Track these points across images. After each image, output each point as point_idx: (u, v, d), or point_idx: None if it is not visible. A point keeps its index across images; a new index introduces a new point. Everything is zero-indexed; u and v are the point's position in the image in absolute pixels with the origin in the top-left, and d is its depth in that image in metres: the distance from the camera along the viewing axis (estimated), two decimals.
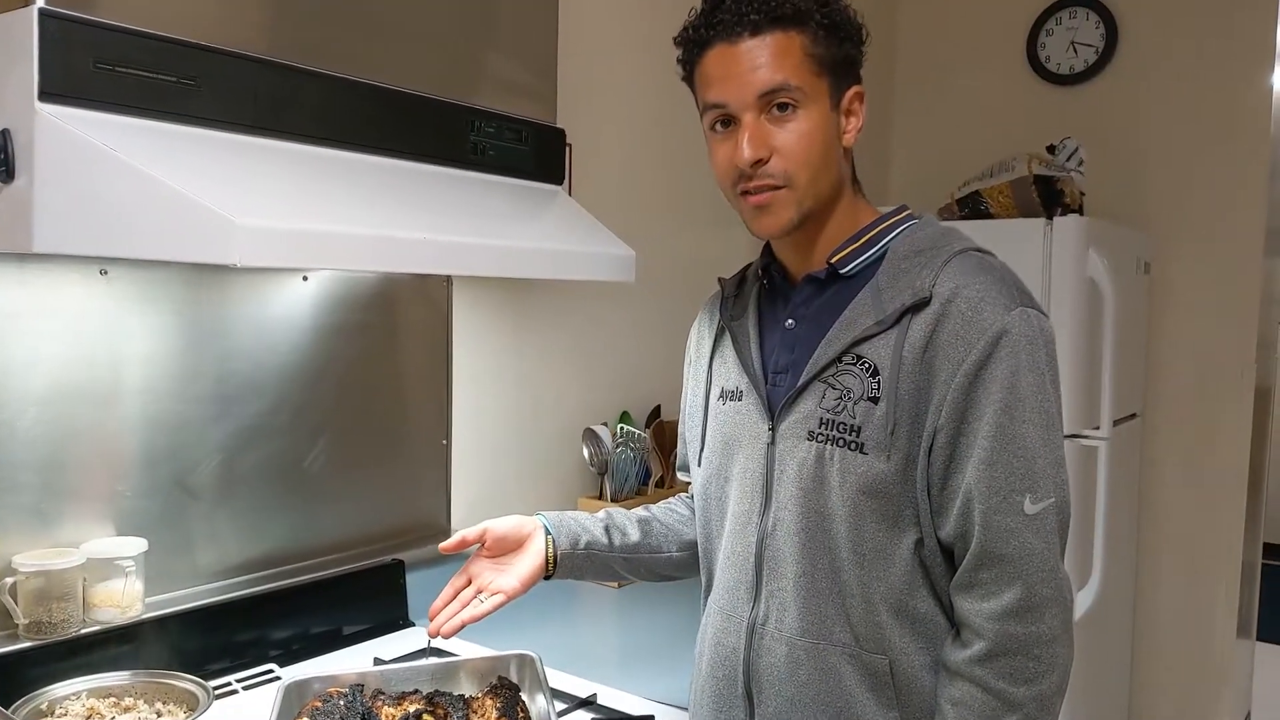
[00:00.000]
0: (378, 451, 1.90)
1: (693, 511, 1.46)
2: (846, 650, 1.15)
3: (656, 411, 2.47)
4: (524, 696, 1.41)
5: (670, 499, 1.50)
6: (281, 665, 1.65)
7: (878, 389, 1.11)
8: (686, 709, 1.50)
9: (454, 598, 1.34)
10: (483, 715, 1.34)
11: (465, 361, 2.06)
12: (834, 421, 1.14)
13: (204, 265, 1.50)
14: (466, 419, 2.07)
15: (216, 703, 1.48)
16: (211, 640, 1.60)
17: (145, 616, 1.50)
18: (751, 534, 1.19)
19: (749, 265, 1.34)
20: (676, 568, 1.44)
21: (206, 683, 1.45)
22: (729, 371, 1.28)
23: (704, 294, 1.42)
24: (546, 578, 1.37)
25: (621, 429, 2.30)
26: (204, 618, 1.60)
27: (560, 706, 1.49)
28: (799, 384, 1.17)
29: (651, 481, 2.37)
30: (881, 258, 1.18)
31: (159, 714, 1.30)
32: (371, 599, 1.84)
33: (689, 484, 1.49)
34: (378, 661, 1.67)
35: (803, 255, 1.22)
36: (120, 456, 1.52)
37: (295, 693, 1.42)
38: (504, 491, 2.17)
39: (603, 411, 2.37)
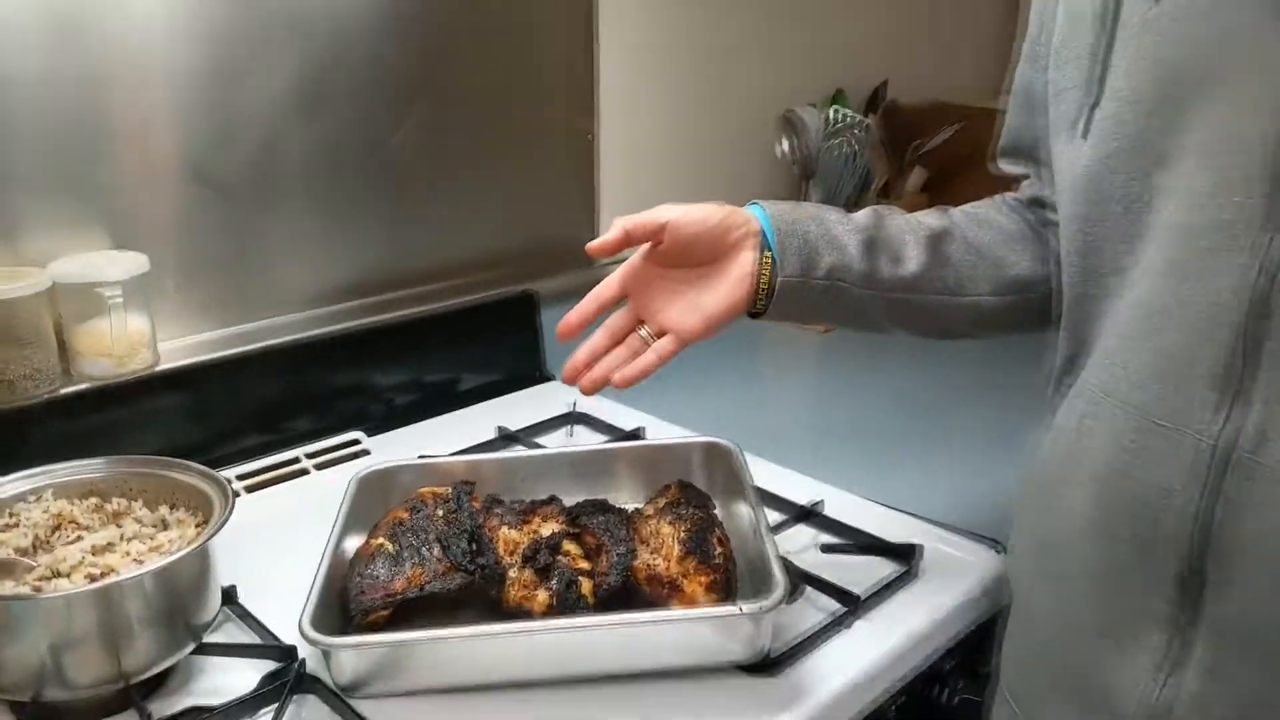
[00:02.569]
0: (497, 143, 1.32)
1: (1030, 226, 0.84)
2: None
3: (881, 90, 1.78)
4: (718, 512, 0.88)
5: (983, 203, 0.88)
6: (371, 434, 1.18)
7: None
8: (994, 545, 0.96)
9: (609, 342, 0.80)
10: (657, 545, 0.82)
11: (614, 24, 1.41)
12: None
13: None
14: (617, 104, 1.46)
15: (285, 486, 1.04)
16: (264, 402, 1.13)
17: (158, 370, 1.02)
18: (1231, 271, 0.56)
19: None
20: (981, 322, 0.84)
21: (227, 476, 0.99)
22: None
23: None
24: (752, 315, 0.81)
25: (836, 112, 1.64)
26: (253, 370, 1.12)
27: (773, 519, 0.97)
28: None
29: (873, 189, 1.72)
30: None
31: (164, 523, 0.84)
32: (493, 344, 1.33)
33: (1022, 178, 0.86)
34: (501, 432, 1.17)
35: None
36: (114, 128, 0.99)
37: (374, 488, 0.94)
38: (667, 200, 1.58)
39: (807, 89, 1.70)
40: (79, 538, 0.79)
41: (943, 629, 0.88)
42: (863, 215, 0.82)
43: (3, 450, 0.88)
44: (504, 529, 0.84)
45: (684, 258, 0.78)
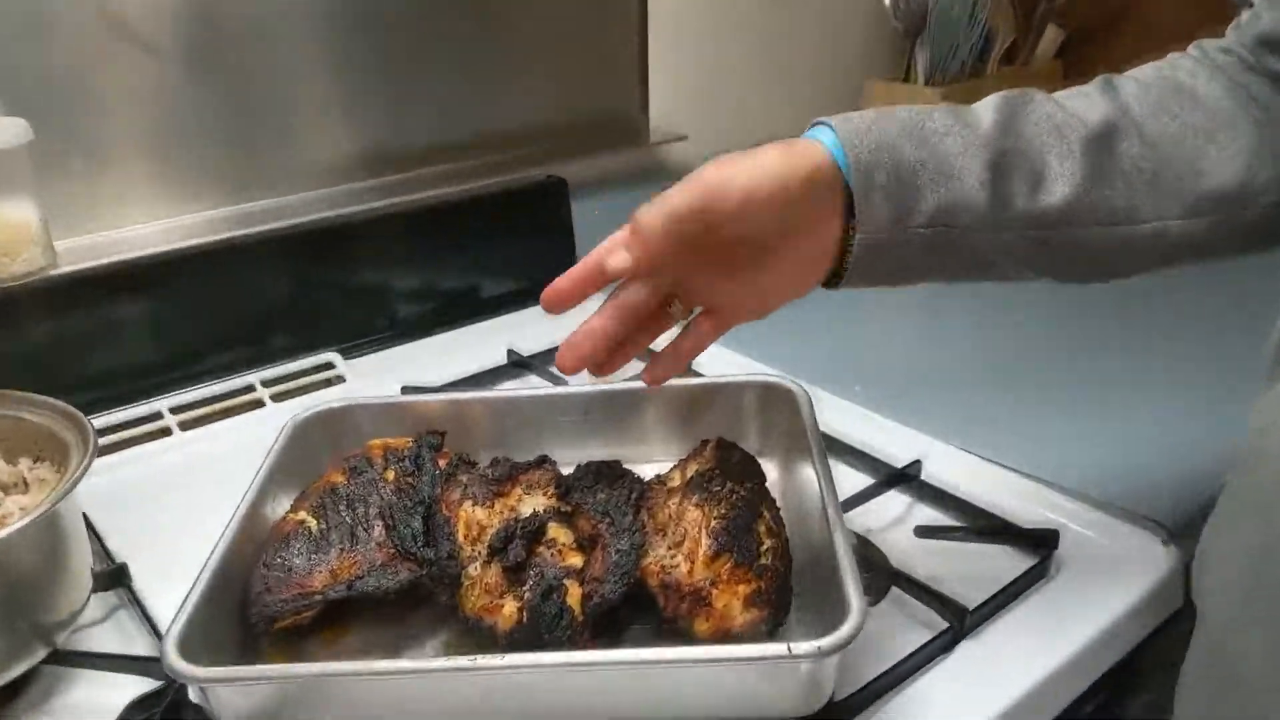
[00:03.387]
0: None
1: (1248, 94, 0.55)
2: None
3: None
4: (773, 484, 0.63)
5: (1167, 64, 0.58)
6: (350, 356, 0.95)
7: None
8: (1159, 531, 0.70)
9: (621, 325, 0.54)
10: (678, 536, 0.57)
11: None
12: None
13: None
14: None
15: (228, 424, 0.83)
16: (207, 315, 0.90)
17: (55, 275, 0.80)
18: None
19: None
20: (1166, 255, 0.56)
21: (155, 409, 0.78)
22: None
23: None
24: (826, 286, 0.56)
25: None
26: (191, 274, 0.89)
27: (855, 485, 0.71)
28: None
29: (995, 53, 1.39)
30: None
31: (23, 482, 0.62)
32: (511, 243, 1.08)
33: (1242, 4, 0.57)
34: (512, 357, 0.93)
35: None
36: None
37: (316, 437, 0.71)
38: (734, 71, 1.29)
39: None
40: None
41: (1090, 659, 0.62)
42: (987, 110, 0.54)
43: None
44: (467, 505, 0.60)
45: (744, 241, 0.52)
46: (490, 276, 1.06)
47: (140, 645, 0.62)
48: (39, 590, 0.57)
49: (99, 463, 0.79)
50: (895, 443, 0.78)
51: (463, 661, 0.50)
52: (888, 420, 0.82)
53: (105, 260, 0.82)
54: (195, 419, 0.85)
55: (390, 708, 0.52)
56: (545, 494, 0.62)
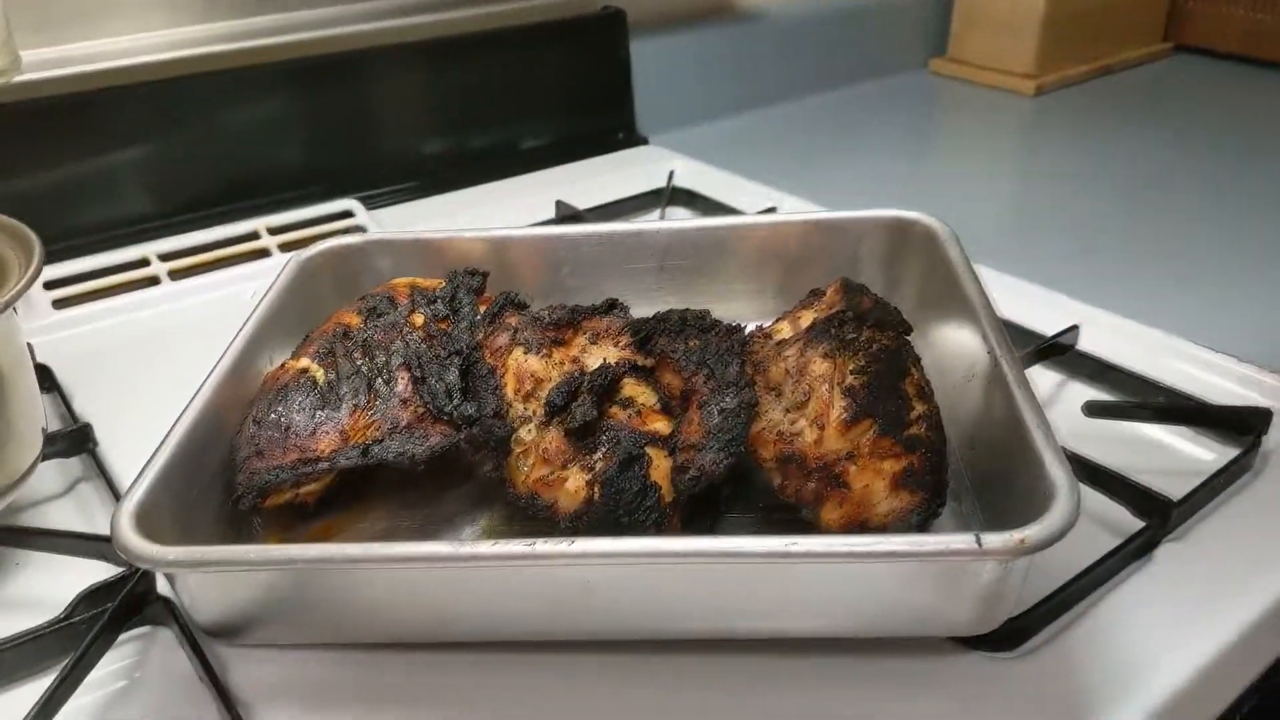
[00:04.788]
0: None
1: None
2: None
3: None
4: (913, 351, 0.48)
5: None
6: (373, 207, 0.81)
7: None
8: None
9: None
10: (799, 394, 0.43)
11: None
12: None
13: None
14: None
15: (227, 274, 0.70)
16: (207, 146, 0.76)
17: (19, 82, 0.65)
18: None
19: None
20: None
21: (143, 255, 0.65)
22: None
23: None
24: None
25: None
26: (188, 94, 0.74)
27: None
28: None
29: None
30: None
31: None
32: (561, 85, 0.92)
33: None
34: (561, 211, 0.78)
35: None
36: None
37: (325, 277, 0.58)
38: None
39: None
40: None
41: None
42: None
43: None
44: (517, 353, 0.46)
45: None
46: (536, 124, 0.91)
47: (104, 524, 0.49)
48: None
49: (69, 314, 0.67)
50: (1040, 310, 0.63)
51: (516, 546, 0.36)
52: (1029, 284, 0.67)
53: (83, 69, 0.68)
54: (187, 267, 0.71)
55: (416, 608, 0.39)
56: (616, 344, 0.48)
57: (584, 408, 0.42)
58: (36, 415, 0.49)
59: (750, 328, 0.50)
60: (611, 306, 0.50)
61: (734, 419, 0.41)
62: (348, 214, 0.78)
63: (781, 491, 0.41)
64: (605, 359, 0.46)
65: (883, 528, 0.41)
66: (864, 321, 0.45)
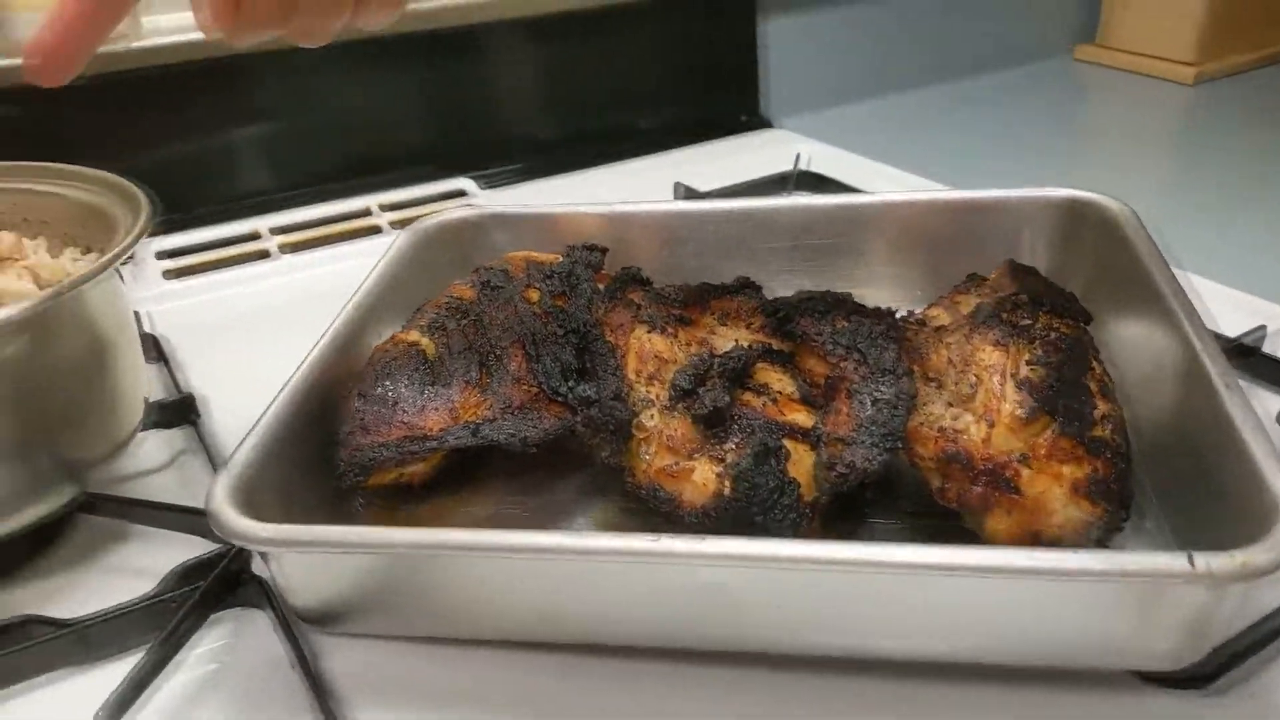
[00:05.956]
0: None
1: None
2: None
3: None
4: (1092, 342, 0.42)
5: None
6: (487, 186, 0.78)
7: None
8: None
9: None
10: (965, 388, 0.38)
11: None
12: None
13: None
14: None
15: (337, 250, 0.68)
16: (325, 121, 0.74)
17: (137, 48, 0.64)
18: None
19: None
20: None
21: (254, 229, 0.63)
22: None
23: None
24: None
25: None
26: (303, 68, 0.73)
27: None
28: None
29: None
30: None
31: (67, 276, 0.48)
32: (682, 64, 0.88)
33: None
34: (682, 191, 0.74)
35: None
36: None
37: (439, 250, 0.55)
38: None
39: None
40: None
41: None
42: None
43: None
44: (640, 331, 0.42)
45: None
46: (655, 103, 0.87)
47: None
48: (66, 411, 0.42)
49: (179, 285, 0.66)
50: (1221, 308, 0.56)
51: (640, 542, 0.32)
52: (1202, 279, 0.60)
53: (196, 37, 0.67)
54: (299, 242, 0.69)
55: (526, 601, 0.35)
56: (749, 326, 0.43)
57: (715, 393, 0.38)
58: (139, 383, 0.47)
59: (904, 312, 0.45)
60: (744, 286, 0.46)
61: (890, 410, 0.36)
62: (461, 193, 0.75)
63: (941, 495, 0.36)
64: (737, 341, 0.42)
65: (1056, 540, 0.35)
66: (1040, 307, 0.39)
